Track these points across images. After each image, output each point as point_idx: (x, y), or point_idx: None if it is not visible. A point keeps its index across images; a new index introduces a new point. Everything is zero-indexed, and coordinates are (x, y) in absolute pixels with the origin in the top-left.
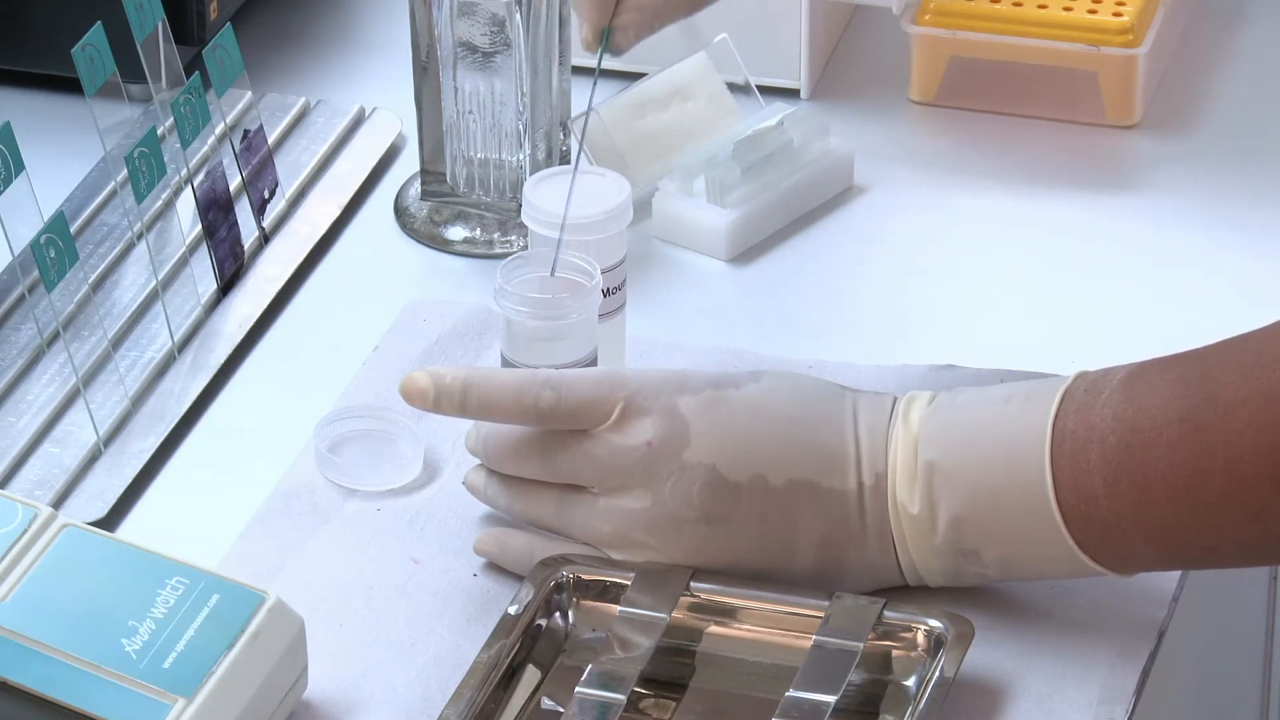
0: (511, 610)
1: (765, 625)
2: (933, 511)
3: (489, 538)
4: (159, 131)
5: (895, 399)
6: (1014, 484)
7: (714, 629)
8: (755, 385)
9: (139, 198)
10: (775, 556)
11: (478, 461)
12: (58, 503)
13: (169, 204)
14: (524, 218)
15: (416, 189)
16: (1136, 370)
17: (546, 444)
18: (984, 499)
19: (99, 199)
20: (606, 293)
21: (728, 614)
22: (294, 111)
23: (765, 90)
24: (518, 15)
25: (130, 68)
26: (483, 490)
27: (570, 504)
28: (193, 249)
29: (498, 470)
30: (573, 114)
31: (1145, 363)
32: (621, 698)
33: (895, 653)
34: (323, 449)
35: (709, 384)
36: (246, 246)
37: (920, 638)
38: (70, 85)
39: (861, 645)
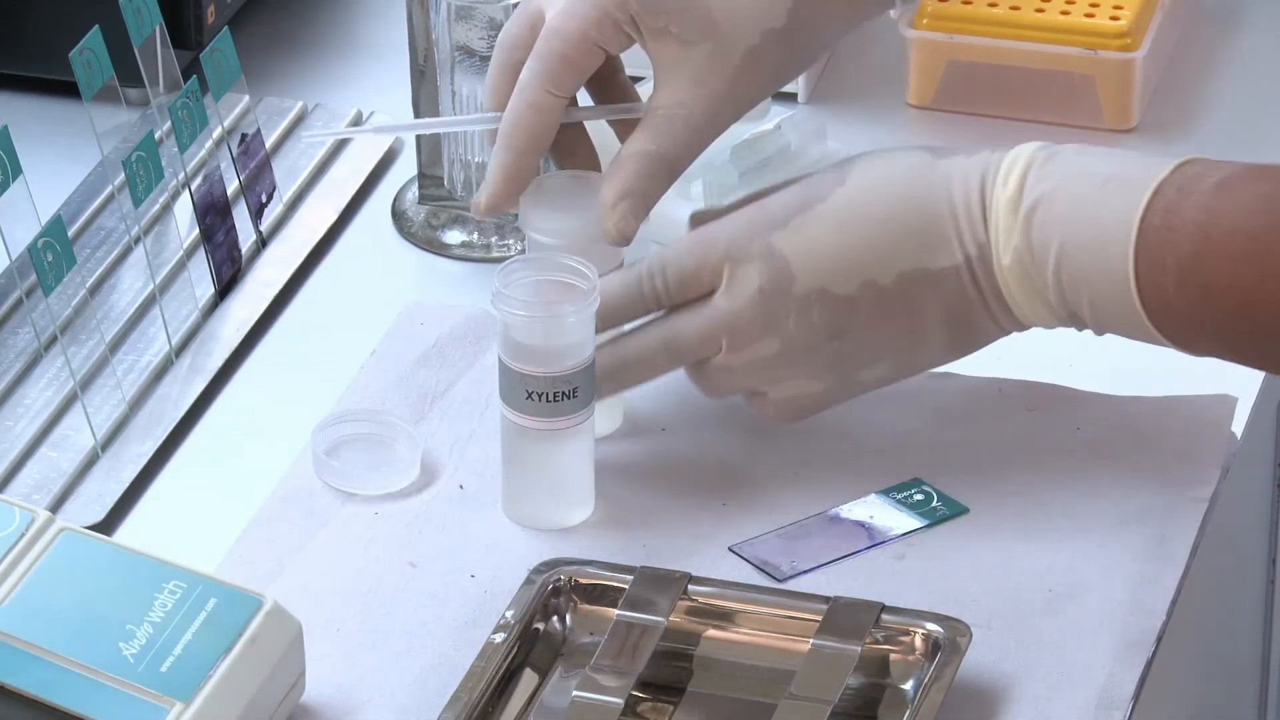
0: (509, 614)
1: (763, 629)
2: (1031, 285)
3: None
4: (156, 135)
5: (986, 161)
6: (1103, 273)
7: (712, 633)
8: (842, 190)
9: (136, 202)
10: (911, 346)
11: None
12: (55, 506)
13: (166, 208)
14: (520, 224)
15: (414, 193)
16: (1230, 177)
17: (667, 340)
18: (1076, 279)
19: (96, 203)
20: None
21: (725, 618)
22: (292, 115)
23: None
24: None
25: (128, 72)
26: None
27: (701, 373)
28: (190, 253)
29: (631, 386)
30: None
31: (1244, 169)
32: (619, 701)
33: (893, 656)
34: (320, 453)
35: (794, 208)
36: (244, 250)
37: (918, 641)
38: (68, 89)
39: (859, 649)
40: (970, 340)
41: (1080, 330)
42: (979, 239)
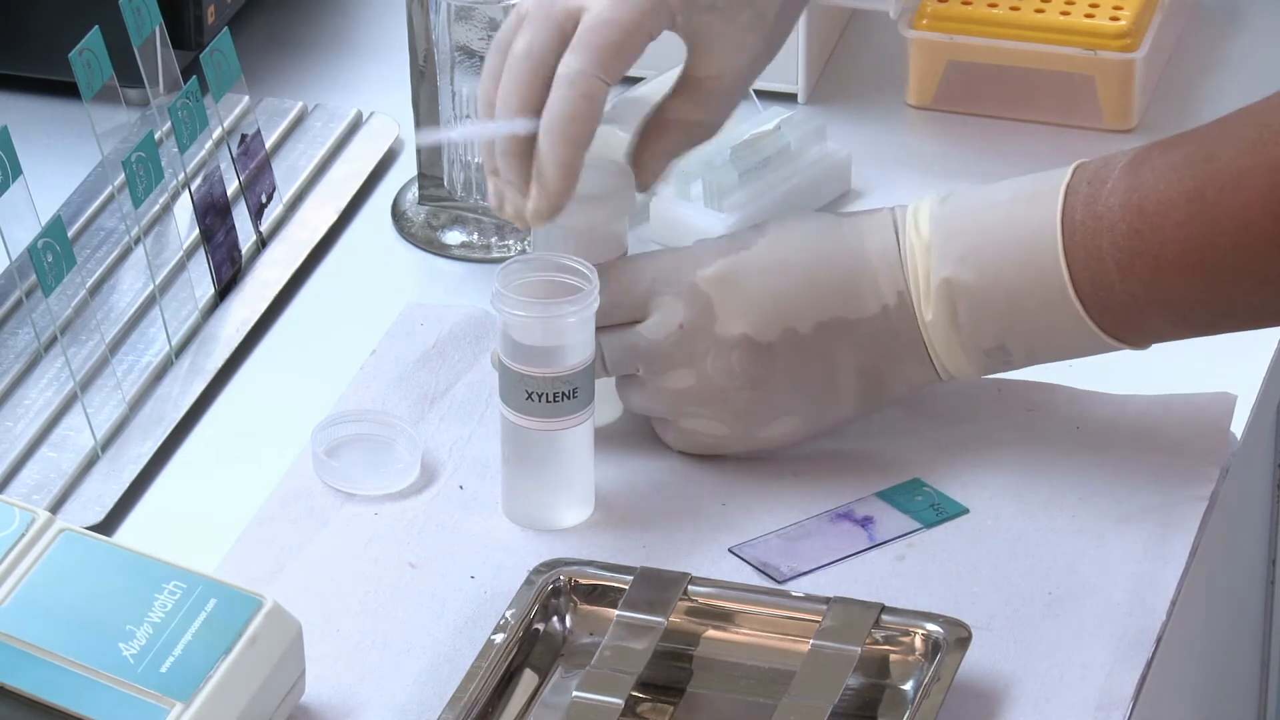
0: (509, 614)
1: (763, 629)
2: (956, 321)
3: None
4: (156, 136)
5: (893, 213)
6: (1033, 283)
7: (711, 633)
8: (763, 239)
9: (136, 202)
10: (821, 397)
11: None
12: (55, 507)
13: (166, 208)
14: None
15: (414, 193)
16: (1139, 156)
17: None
18: (1004, 303)
19: (96, 203)
20: None
21: (725, 618)
22: (291, 116)
23: (762, 94)
24: None
25: (127, 72)
26: None
27: (624, 386)
28: (190, 253)
29: None
30: None
31: (1146, 147)
32: (619, 702)
33: (893, 657)
34: (320, 453)
35: (719, 252)
36: (244, 251)
37: (918, 642)
38: (68, 90)
39: (859, 649)
40: (879, 395)
41: (1004, 369)
42: (899, 286)
